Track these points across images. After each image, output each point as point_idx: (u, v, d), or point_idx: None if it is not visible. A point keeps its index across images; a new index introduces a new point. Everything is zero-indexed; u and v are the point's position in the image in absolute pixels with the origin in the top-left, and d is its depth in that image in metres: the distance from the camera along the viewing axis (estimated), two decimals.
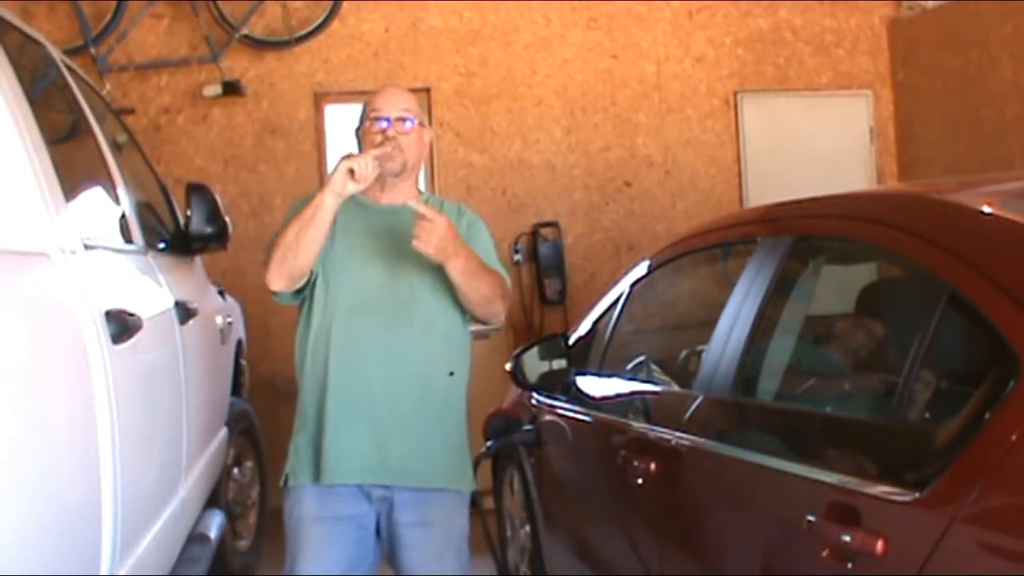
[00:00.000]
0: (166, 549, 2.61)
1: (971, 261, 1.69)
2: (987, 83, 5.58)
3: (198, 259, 3.65)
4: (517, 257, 5.96)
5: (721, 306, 2.36)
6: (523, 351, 3.08)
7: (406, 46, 5.93)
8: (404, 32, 5.93)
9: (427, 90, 5.89)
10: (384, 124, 2.49)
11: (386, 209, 2.55)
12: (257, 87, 5.78)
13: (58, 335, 1.82)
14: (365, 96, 2.67)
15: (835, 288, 2.50)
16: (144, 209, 2.98)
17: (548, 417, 3.21)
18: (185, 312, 2.89)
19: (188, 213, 3.24)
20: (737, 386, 2.22)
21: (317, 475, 2.46)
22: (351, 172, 2.32)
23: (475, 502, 2.66)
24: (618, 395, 2.89)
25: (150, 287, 2.68)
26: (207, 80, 5.67)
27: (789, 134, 6.33)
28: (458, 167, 6.00)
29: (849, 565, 1.59)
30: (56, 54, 2.66)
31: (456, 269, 2.36)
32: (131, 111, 5.41)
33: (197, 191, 3.26)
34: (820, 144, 6.28)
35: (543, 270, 5.98)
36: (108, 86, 5.43)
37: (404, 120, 2.50)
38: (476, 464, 2.68)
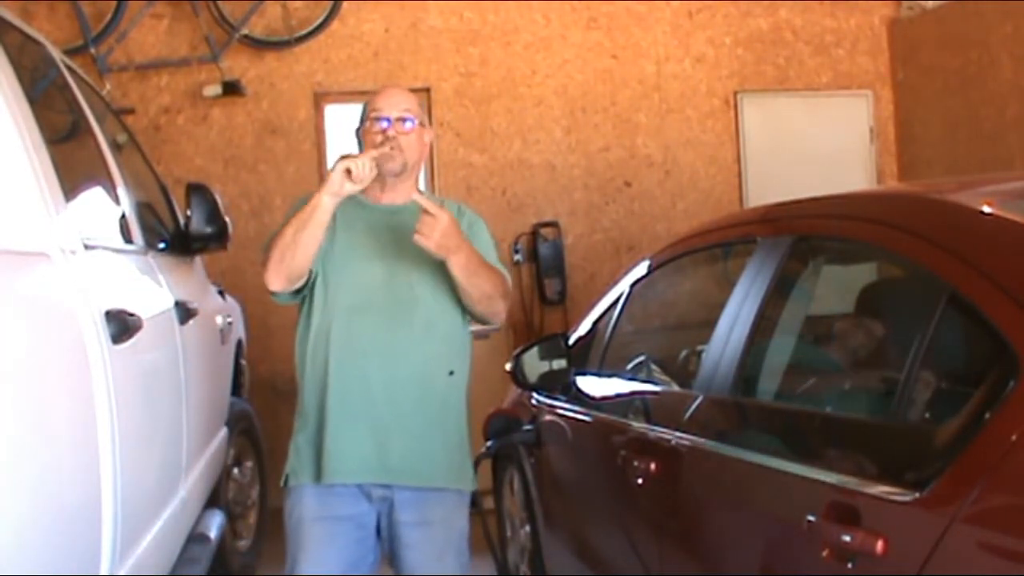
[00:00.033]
0: (166, 549, 2.61)
1: (971, 261, 1.69)
2: (987, 83, 5.57)
3: (198, 259, 3.65)
4: (517, 257, 5.96)
5: (721, 306, 2.36)
6: (523, 351, 3.07)
7: (406, 46, 5.93)
8: (404, 32, 5.93)
9: (427, 90, 5.89)
10: (384, 124, 2.49)
11: (386, 209, 2.55)
12: (257, 87, 5.78)
13: (58, 335, 1.82)
14: (365, 96, 2.67)
15: (835, 288, 2.50)
16: (144, 209, 2.98)
17: (548, 417, 3.21)
18: (185, 312, 2.89)
19: (188, 213, 3.25)
20: (737, 386, 2.22)
21: (317, 475, 2.46)
22: (348, 172, 2.32)
23: (475, 502, 2.66)
24: (618, 395, 2.88)
25: (150, 287, 2.68)
26: (207, 80, 5.66)
27: (789, 134, 6.32)
28: (458, 167, 6.00)
29: (849, 565, 1.59)
30: (56, 54, 2.66)
31: (457, 265, 2.36)
32: (131, 111, 5.41)
33: (197, 191, 3.26)
34: (820, 144, 6.28)
35: (543, 270, 5.98)
36: (108, 86, 5.43)
37: (404, 120, 2.50)
38: (476, 464, 2.67)
